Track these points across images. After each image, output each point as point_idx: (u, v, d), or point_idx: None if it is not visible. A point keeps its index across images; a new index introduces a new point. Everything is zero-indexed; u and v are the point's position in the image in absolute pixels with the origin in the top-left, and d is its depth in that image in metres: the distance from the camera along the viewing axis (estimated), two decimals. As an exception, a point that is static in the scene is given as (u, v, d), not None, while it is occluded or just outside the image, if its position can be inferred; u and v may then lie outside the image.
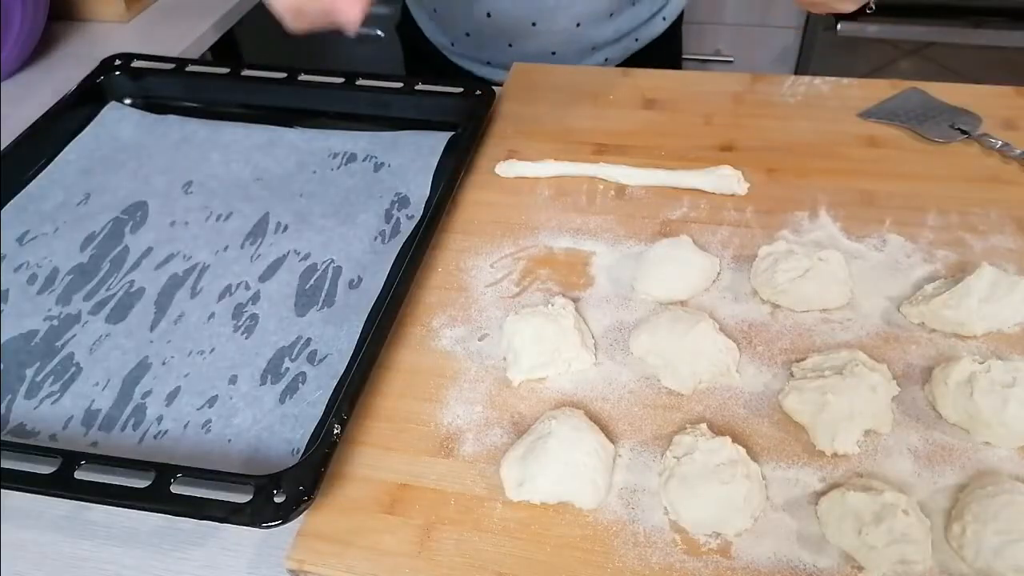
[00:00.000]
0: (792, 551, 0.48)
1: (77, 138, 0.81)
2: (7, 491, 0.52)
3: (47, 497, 0.51)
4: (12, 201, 0.75)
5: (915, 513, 0.47)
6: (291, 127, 0.82)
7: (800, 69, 1.76)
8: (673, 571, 0.47)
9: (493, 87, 0.81)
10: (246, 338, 0.62)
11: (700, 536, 0.49)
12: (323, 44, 1.86)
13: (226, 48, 1.32)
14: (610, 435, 0.53)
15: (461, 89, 0.80)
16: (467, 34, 0.97)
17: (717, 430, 0.53)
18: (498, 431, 0.55)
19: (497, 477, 0.51)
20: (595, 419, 0.54)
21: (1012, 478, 0.49)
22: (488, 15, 0.93)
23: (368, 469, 0.53)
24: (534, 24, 0.93)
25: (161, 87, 0.86)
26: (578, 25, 0.94)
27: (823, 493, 0.49)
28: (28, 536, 0.52)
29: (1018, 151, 0.73)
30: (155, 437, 0.56)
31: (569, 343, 0.57)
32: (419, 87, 0.81)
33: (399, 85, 0.82)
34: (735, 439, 0.51)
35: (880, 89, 0.82)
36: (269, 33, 1.66)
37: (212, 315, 0.64)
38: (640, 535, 0.49)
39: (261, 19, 1.39)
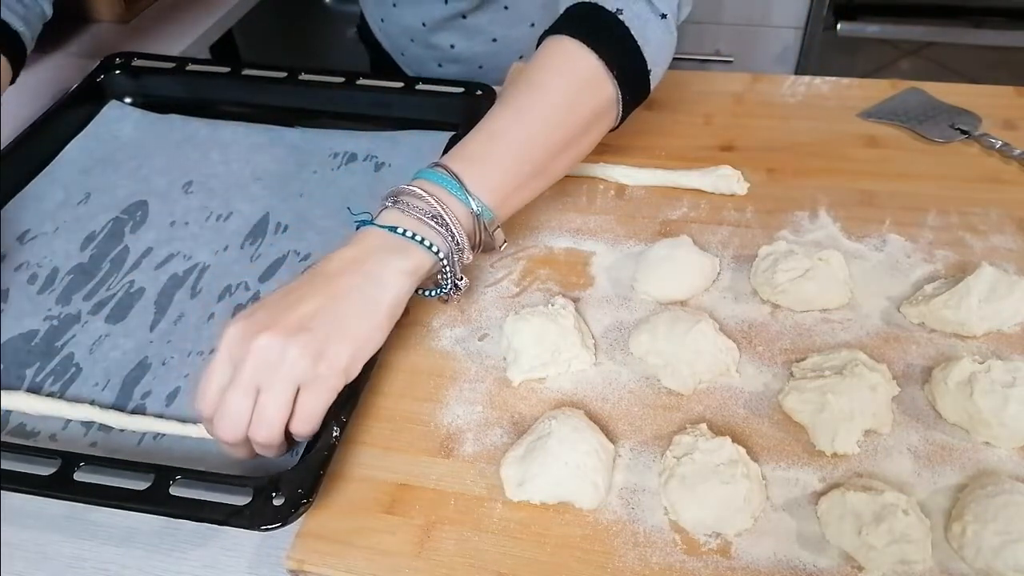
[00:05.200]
0: (792, 551, 0.48)
1: (77, 137, 0.81)
2: (7, 491, 0.52)
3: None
4: (12, 200, 0.75)
5: (915, 513, 0.47)
6: (291, 127, 0.82)
7: (800, 69, 1.76)
8: (673, 571, 0.47)
9: (493, 87, 0.81)
10: (246, 338, 0.62)
11: (700, 536, 0.49)
12: (322, 45, 1.87)
13: (224, 49, 1.32)
14: (610, 435, 0.53)
15: (462, 89, 0.80)
16: (439, 65, 1.03)
17: (717, 430, 0.53)
18: (498, 431, 0.55)
19: (497, 477, 0.51)
20: (595, 419, 0.54)
21: (1012, 478, 0.49)
22: (452, 46, 1.00)
23: (368, 469, 0.53)
24: (495, 39, 0.99)
25: (161, 86, 0.86)
26: (532, 25, 0.98)
27: (823, 493, 0.49)
28: (28, 536, 0.52)
29: (1018, 151, 0.73)
30: (154, 438, 0.56)
31: (569, 343, 0.57)
32: (420, 87, 0.81)
33: (400, 85, 0.82)
34: (735, 439, 0.51)
35: (880, 89, 0.82)
36: (267, 34, 1.66)
37: (212, 315, 0.64)
38: (640, 535, 0.49)
39: (260, 20, 1.40)
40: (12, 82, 0.79)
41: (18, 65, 0.79)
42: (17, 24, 0.78)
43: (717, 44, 1.79)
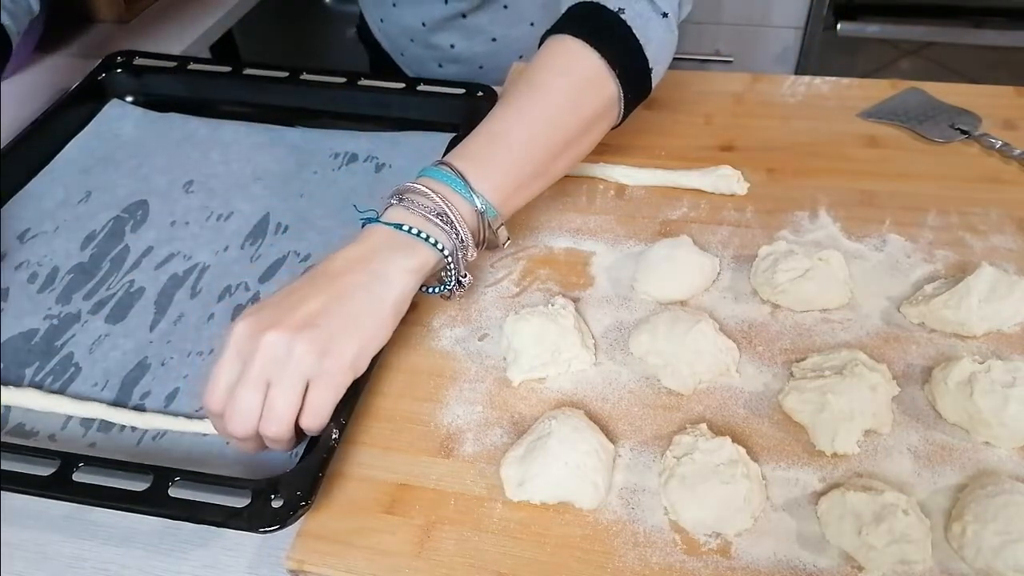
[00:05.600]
0: (792, 551, 0.48)
1: (78, 136, 0.81)
2: (6, 491, 0.52)
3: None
4: (13, 199, 0.75)
5: (915, 513, 0.47)
6: (292, 127, 0.82)
7: (800, 69, 1.76)
8: (673, 571, 0.47)
9: (494, 88, 0.81)
10: (246, 338, 0.62)
11: (700, 536, 0.49)
12: (322, 45, 1.87)
13: (224, 49, 1.32)
14: (610, 435, 0.53)
15: (463, 90, 0.80)
16: (439, 65, 1.04)
17: (717, 430, 0.53)
18: (498, 431, 0.55)
19: (497, 477, 0.51)
20: (595, 419, 0.54)
21: (1012, 478, 0.49)
22: (452, 46, 1.00)
23: (368, 469, 0.53)
24: (495, 39, 0.98)
25: (163, 85, 0.86)
26: (532, 24, 0.98)
27: (823, 493, 0.49)
28: (28, 536, 0.52)
29: (1018, 151, 0.73)
30: (153, 439, 0.56)
31: (569, 343, 0.57)
32: (421, 87, 0.81)
33: (401, 85, 0.82)
34: (735, 439, 0.51)
35: (880, 89, 0.82)
36: (267, 34, 1.66)
37: (212, 316, 0.64)
38: (640, 535, 0.49)
39: (260, 20, 1.39)
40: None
41: (3, 59, 0.79)
42: (4, 18, 0.78)
43: (717, 44, 1.79)
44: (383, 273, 0.53)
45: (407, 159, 0.77)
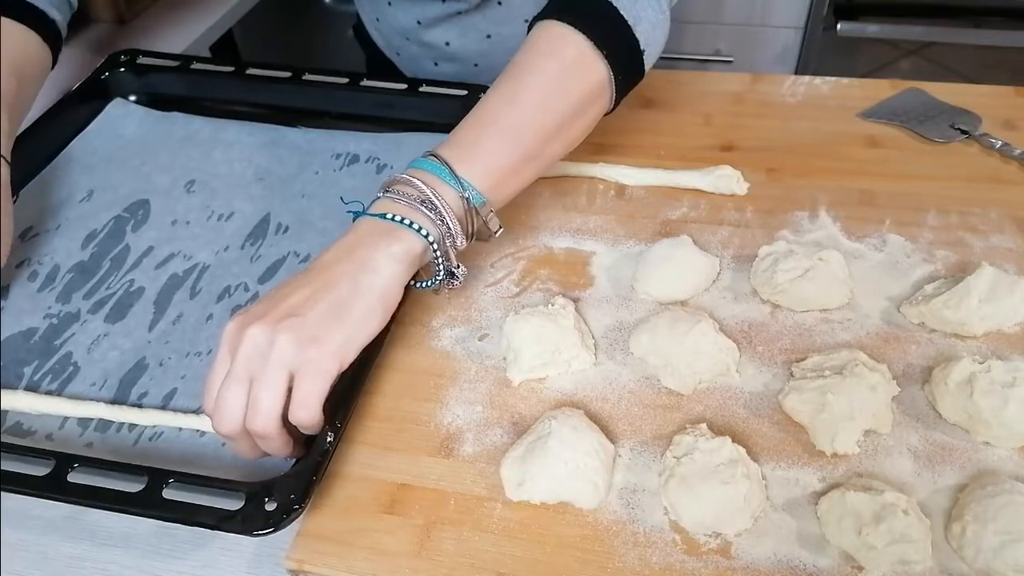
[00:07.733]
0: (792, 551, 0.48)
1: (81, 134, 0.81)
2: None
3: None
4: (15, 197, 0.75)
5: (915, 513, 0.47)
6: (294, 127, 0.82)
7: (800, 69, 1.76)
8: (673, 571, 0.47)
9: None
10: (246, 338, 0.62)
11: (700, 536, 0.49)
12: (322, 45, 1.87)
13: (224, 48, 1.32)
14: (610, 435, 0.53)
15: (465, 91, 0.80)
16: (435, 64, 1.03)
17: (717, 430, 0.53)
18: (498, 431, 0.55)
19: (497, 477, 0.51)
20: (595, 419, 0.54)
21: (1012, 478, 0.49)
22: (447, 44, 0.99)
23: (368, 469, 0.53)
24: (489, 36, 0.97)
25: (166, 84, 0.86)
26: (526, 21, 0.97)
27: (823, 493, 0.49)
28: (28, 536, 0.52)
29: (1018, 151, 0.73)
30: (150, 439, 0.56)
31: (569, 343, 0.57)
32: (423, 89, 0.81)
33: (403, 86, 0.82)
34: (735, 439, 0.51)
35: (880, 89, 0.82)
36: (267, 34, 1.66)
37: (210, 316, 0.64)
38: (640, 535, 0.49)
39: (260, 20, 1.39)
40: (52, 67, 0.79)
41: (57, 53, 0.79)
42: (53, 13, 0.78)
43: (717, 44, 1.79)
44: (368, 260, 0.53)
45: (408, 160, 0.77)
